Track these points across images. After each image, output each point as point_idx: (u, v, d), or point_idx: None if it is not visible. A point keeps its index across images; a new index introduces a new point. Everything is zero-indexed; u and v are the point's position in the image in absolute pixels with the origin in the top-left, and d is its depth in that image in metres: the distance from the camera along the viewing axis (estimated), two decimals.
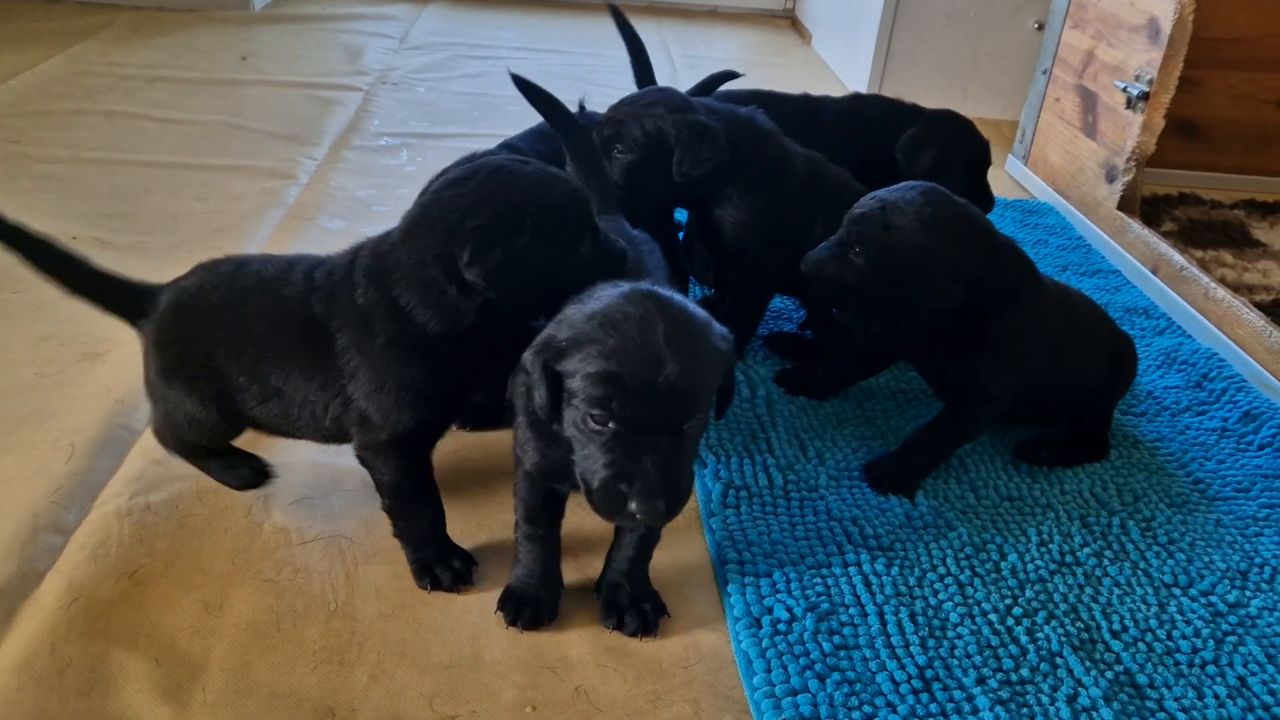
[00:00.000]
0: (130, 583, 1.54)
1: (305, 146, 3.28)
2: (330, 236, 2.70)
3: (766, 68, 4.61)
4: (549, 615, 1.54)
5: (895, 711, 1.39)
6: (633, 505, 1.25)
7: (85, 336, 2.13)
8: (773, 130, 2.13)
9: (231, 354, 1.54)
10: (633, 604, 1.54)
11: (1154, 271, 2.70)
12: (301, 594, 1.55)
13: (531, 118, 2.54)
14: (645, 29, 5.14)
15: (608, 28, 5.09)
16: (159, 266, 2.44)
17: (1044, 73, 3.33)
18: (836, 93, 4.31)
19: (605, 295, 1.31)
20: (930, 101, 4.16)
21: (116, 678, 1.38)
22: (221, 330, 1.55)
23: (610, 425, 1.25)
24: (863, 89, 4.23)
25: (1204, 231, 3.07)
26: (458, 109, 3.76)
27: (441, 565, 1.59)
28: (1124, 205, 2.88)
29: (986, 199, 2.56)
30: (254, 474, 1.73)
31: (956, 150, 2.49)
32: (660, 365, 1.23)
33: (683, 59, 4.63)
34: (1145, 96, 2.74)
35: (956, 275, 1.69)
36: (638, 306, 1.27)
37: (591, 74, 4.29)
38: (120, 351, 2.09)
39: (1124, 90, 2.81)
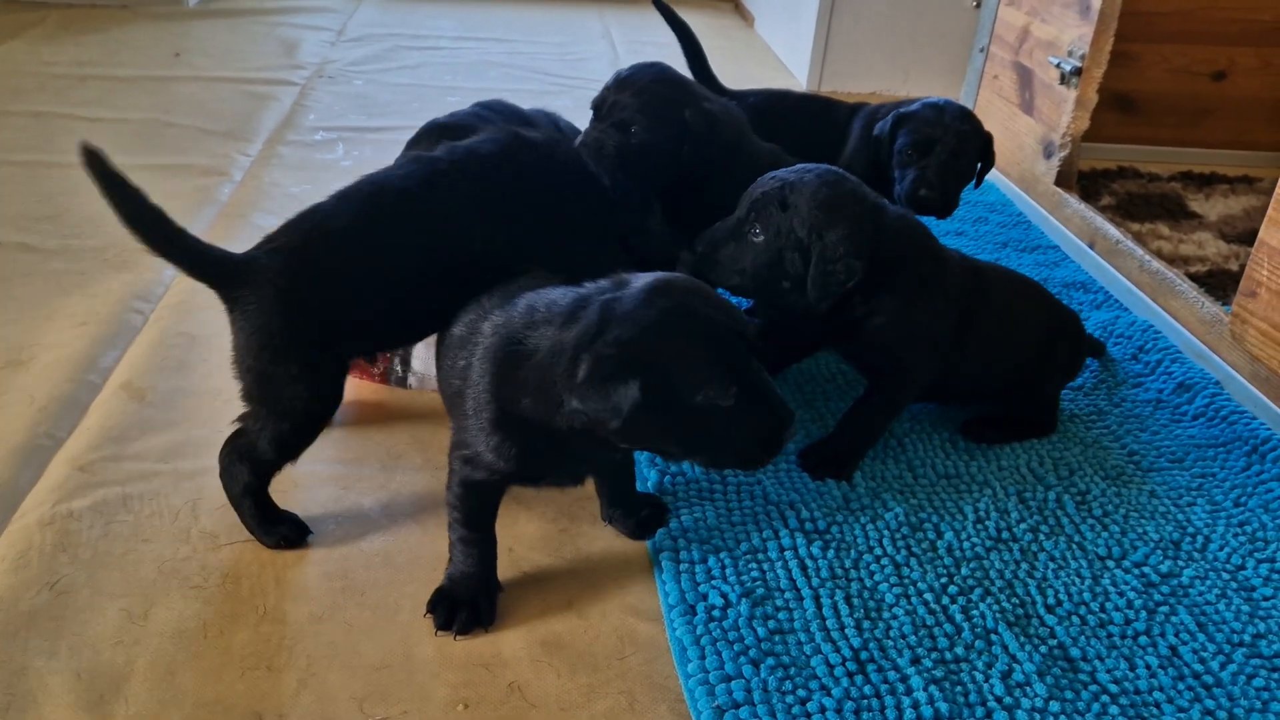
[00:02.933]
0: (52, 593, 1.50)
1: (239, 143, 3.22)
2: (263, 234, 2.64)
3: (710, 51, 4.53)
4: (487, 620, 1.51)
5: (829, 694, 1.39)
6: (789, 430, 1.36)
7: (7, 344, 2.08)
8: (744, 120, 2.14)
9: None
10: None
11: (1091, 246, 2.72)
12: (229, 599, 1.52)
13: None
14: (586, 16, 5.13)
15: (546, 15, 5.08)
16: (85, 269, 2.41)
17: (981, 50, 3.34)
18: (781, 79, 4.34)
19: (631, 311, 1.31)
20: (871, 83, 4.22)
21: (35, 692, 1.35)
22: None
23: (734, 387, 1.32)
24: (804, 71, 4.23)
25: (1142, 204, 3.10)
26: (396, 101, 3.71)
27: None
28: (1061, 180, 2.90)
29: (934, 187, 2.26)
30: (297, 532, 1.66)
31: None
32: (732, 312, 1.35)
33: (625, 45, 4.60)
34: (1079, 72, 2.75)
35: (855, 253, 1.70)
36: (667, 295, 1.32)
37: (532, 61, 4.25)
38: (44, 359, 2.04)
39: (1058, 66, 2.83)
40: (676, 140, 1.97)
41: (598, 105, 2.02)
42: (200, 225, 2.66)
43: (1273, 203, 2.01)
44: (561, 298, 1.40)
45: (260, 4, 4.80)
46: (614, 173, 1.96)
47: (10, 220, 2.61)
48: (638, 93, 1.97)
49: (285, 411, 1.55)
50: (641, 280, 1.36)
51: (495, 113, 2.22)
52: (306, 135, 3.32)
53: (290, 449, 1.60)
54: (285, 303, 1.52)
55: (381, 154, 2.92)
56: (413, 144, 2.08)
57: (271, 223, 2.69)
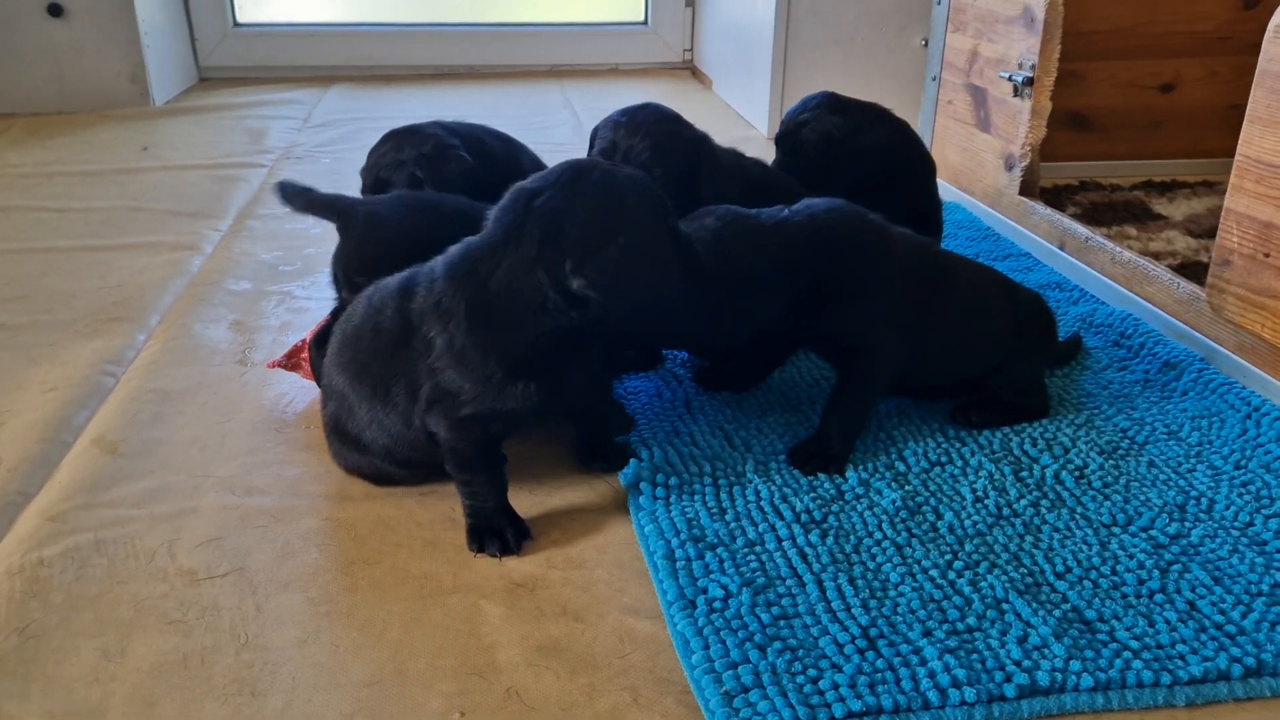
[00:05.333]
0: (21, 638, 1.43)
1: (209, 220, 3.22)
2: (235, 297, 2.63)
3: None
4: (517, 544, 1.63)
5: (841, 671, 1.33)
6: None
7: None
8: (705, 135, 2.20)
9: None
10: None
11: (1061, 247, 2.73)
12: (210, 631, 1.46)
13: None
14: (548, 91, 5.23)
15: (508, 92, 5.19)
16: (55, 341, 2.37)
17: (933, 79, 3.41)
18: (741, 131, 4.42)
19: (575, 199, 1.48)
20: None
21: None
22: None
23: None
24: (764, 124, 4.30)
25: (1106, 211, 3.13)
26: None
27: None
28: (1025, 190, 2.93)
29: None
30: None
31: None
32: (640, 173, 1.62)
33: (587, 113, 4.68)
34: (1030, 82, 2.80)
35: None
36: (591, 171, 1.51)
37: None
38: (12, 424, 1.99)
39: (1009, 79, 2.88)
40: (690, 173, 2.06)
41: (608, 154, 2.06)
42: (170, 295, 2.64)
43: (1233, 170, 2.03)
44: (475, 239, 1.54)
45: (226, 100, 4.86)
46: None
47: None
48: (646, 134, 2.04)
49: None
50: (552, 175, 1.50)
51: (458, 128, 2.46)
52: (276, 209, 3.31)
53: None
54: (363, 239, 1.97)
55: None
56: (373, 150, 2.34)
57: (244, 286, 2.71)
